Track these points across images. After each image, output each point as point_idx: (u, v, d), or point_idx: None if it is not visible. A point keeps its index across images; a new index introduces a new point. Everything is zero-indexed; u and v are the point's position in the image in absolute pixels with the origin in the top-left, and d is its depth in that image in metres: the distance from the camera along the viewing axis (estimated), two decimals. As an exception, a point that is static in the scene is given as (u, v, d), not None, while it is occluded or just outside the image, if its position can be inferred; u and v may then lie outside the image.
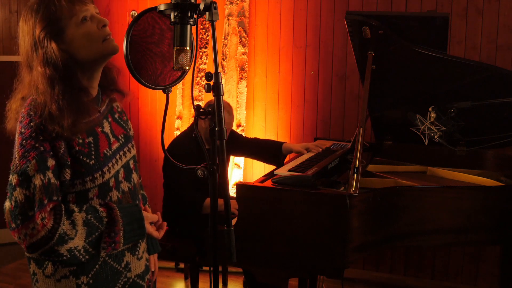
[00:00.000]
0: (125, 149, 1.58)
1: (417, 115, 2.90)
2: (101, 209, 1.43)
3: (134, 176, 1.61)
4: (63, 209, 1.38)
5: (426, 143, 2.89)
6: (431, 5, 3.47)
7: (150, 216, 1.56)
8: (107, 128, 1.53)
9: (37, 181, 1.33)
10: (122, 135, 1.58)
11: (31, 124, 1.37)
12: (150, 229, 1.55)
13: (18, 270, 3.82)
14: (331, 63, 3.79)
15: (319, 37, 3.80)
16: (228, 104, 3.18)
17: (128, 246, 1.52)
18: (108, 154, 1.49)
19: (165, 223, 1.62)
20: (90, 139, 1.45)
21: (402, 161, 3.00)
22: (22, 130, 1.38)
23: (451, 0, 3.44)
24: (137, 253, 1.57)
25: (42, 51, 1.40)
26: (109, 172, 1.48)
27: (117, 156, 1.53)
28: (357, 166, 2.25)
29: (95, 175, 1.44)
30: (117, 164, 1.52)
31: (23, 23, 1.44)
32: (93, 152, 1.44)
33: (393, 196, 2.28)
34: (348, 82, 3.74)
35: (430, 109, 2.85)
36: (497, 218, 2.40)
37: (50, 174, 1.36)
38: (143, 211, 1.54)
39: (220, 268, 3.26)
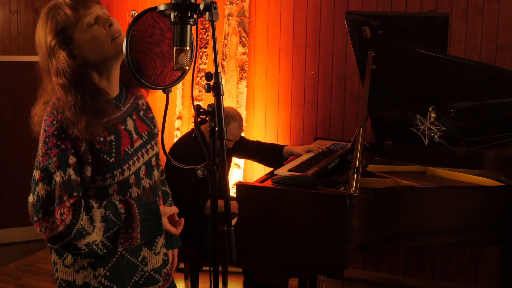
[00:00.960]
0: (148, 147, 1.61)
1: (417, 115, 2.90)
2: (120, 206, 1.46)
3: (155, 173, 1.64)
4: (83, 204, 1.42)
5: (426, 143, 2.89)
6: (431, 5, 3.47)
7: (169, 210, 1.58)
8: (130, 126, 1.57)
9: (58, 177, 1.38)
10: (146, 133, 1.62)
11: (54, 122, 1.42)
12: (167, 225, 1.56)
13: (18, 270, 3.82)
14: (331, 63, 3.79)
15: (319, 37, 3.79)
16: (240, 117, 3.19)
17: (146, 241, 1.56)
18: (129, 152, 1.53)
19: (182, 220, 1.63)
20: (112, 137, 1.50)
21: (402, 161, 3.00)
22: (46, 128, 1.43)
23: (451, 0, 3.44)
24: (154, 248, 1.60)
25: (55, 61, 1.46)
26: (129, 170, 1.52)
27: (139, 154, 1.57)
28: (357, 166, 2.25)
29: (115, 173, 1.48)
30: (139, 162, 1.56)
31: (38, 34, 1.50)
32: (113, 150, 1.49)
33: (393, 196, 2.28)
34: (348, 82, 3.74)
35: (430, 109, 2.85)
36: (497, 218, 2.40)
37: (71, 171, 1.41)
38: (162, 206, 1.56)
39: (220, 268, 3.26)
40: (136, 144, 1.57)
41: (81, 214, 1.40)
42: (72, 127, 1.41)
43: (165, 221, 1.55)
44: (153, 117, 1.73)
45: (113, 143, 1.49)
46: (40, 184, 1.38)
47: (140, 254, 1.57)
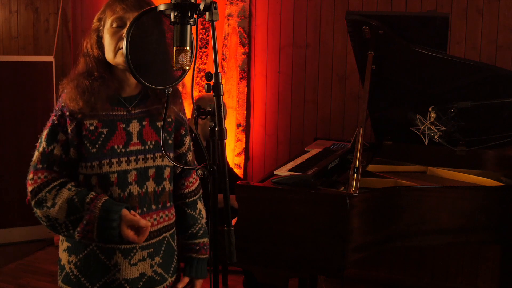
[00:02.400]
0: (148, 155, 1.59)
1: (417, 115, 2.90)
2: (90, 196, 1.49)
3: (151, 185, 1.60)
4: (59, 181, 1.50)
5: (426, 143, 2.89)
6: (431, 5, 3.47)
7: (131, 218, 1.47)
8: (133, 128, 1.58)
9: (41, 147, 1.51)
10: (153, 142, 1.60)
11: (60, 100, 1.55)
12: (125, 232, 1.47)
13: (18, 270, 3.82)
14: (331, 63, 3.79)
15: (319, 37, 3.79)
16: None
17: (120, 247, 1.55)
18: (118, 151, 1.53)
19: (147, 229, 1.50)
20: (105, 130, 1.53)
21: (402, 161, 3.00)
22: (57, 102, 1.57)
23: (451, 0, 3.44)
24: (129, 257, 1.57)
25: (87, 42, 1.56)
26: (110, 167, 1.52)
27: (132, 157, 1.56)
28: (357, 166, 2.25)
29: (93, 163, 1.51)
30: (128, 165, 1.55)
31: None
32: (99, 142, 1.52)
33: (393, 196, 2.28)
34: (348, 82, 3.74)
35: (430, 109, 2.84)
36: (497, 218, 2.40)
37: (56, 146, 1.51)
38: (128, 212, 1.47)
39: (220, 268, 3.26)
40: (132, 148, 1.56)
41: (50, 187, 1.48)
42: (65, 94, 1.52)
43: (123, 228, 1.46)
44: (183, 135, 1.68)
45: (103, 135, 1.52)
46: (36, 149, 1.54)
47: (113, 258, 1.55)
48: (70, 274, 1.58)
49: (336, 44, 3.75)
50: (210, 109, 1.31)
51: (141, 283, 1.60)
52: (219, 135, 1.26)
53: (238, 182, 2.29)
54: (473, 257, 3.53)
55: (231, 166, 3.80)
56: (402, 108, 3.04)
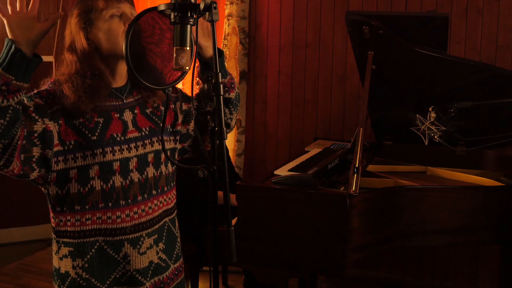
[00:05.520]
0: (146, 141, 1.59)
1: (417, 115, 2.90)
2: None
3: (151, 170, 1.60)
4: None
5: (426, 143, 2.89)
6: (431, 5, 3.47)
7: None
8: (127, 117, 1.58)
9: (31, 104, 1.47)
10: (148, 128, 1.61)
11: (50, 85, 1.52)
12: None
13: (18, 270, 3.82)
14: (331, 63, 3.79)
15: (319, 37, 3.79)
16: None
17: (128, 237, 1.54)
18: (118, 139, 1.53)
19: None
20: (101, 120, 1.52)
21: (402, 161, 3.00)
22: (38, 90, 1.52)
23: (451, 0, 3.44)
24: (138, 247, 1.57)
25: (71, 38, 1.53)
26: (113, 155, 1.51)
27: (132, 145, 1.56)
28: (357, 166, 2.25)
29: (95, 151, 1.49)
30: (129, 152, 1.55)
31: (69, 15, 1.57)
32: (98, 130, 1.51)
33: (393, 196, 2.28)
34: (348, 82, 3.74)
35: (430, 109, 2.85)
36: (497, 218, 2.40)
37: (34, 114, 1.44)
38: None
39: (220, 268, 3.26)
40: (130, 135, 1.56)
41: None
42: (62, 98, 1.47)
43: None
44: (175, 107, 1.70)
45: (100, 125, 1.51)
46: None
47: (122, 250, 1.55)
48: (78, 279, 1.53)
49: (336, 44, 3.75)
50: (210, 109, 1.31)
51: (150, 272, 1.61)
52: (219, 135, 1.26)
53: (238, 182, 2.29)
54: (473, 257, 3.53)
55: (233, 164, 3.80)
56: (402, 108, 3.04)
